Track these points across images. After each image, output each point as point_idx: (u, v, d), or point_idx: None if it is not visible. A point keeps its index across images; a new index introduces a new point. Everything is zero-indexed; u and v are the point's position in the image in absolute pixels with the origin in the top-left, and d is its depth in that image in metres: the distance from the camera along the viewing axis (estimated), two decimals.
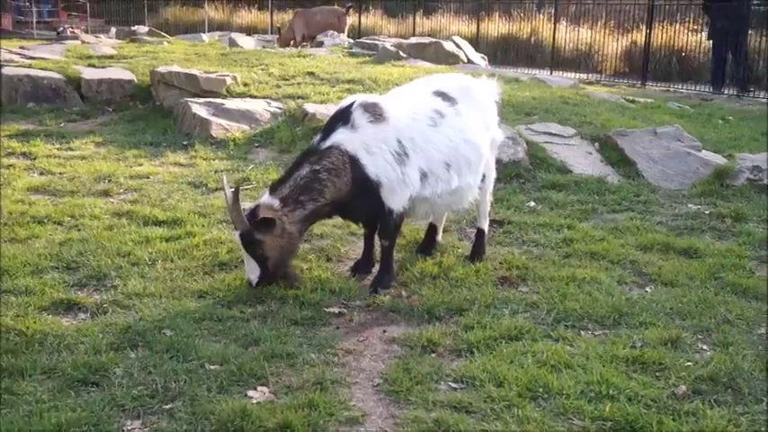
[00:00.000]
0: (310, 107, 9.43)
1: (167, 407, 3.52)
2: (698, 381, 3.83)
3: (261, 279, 4.77)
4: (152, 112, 10.51)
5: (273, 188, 4.84)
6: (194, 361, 3.93)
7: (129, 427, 3.37)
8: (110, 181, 7.32)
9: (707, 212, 6.83)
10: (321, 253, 5.65)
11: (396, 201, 4.92)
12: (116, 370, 3.82)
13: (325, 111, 8.99)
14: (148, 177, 7.52)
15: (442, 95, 5.28)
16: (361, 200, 4.87)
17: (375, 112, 4.92)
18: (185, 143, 8.87)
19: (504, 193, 7.18)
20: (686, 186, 7.68)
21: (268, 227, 4.66)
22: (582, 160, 8.25)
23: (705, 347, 4.24)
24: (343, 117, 4.92)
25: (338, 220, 5.98)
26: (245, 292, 4.82)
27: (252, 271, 4.78)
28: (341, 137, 4.84)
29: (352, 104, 4.94)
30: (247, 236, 4.68)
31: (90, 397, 3.58)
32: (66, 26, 25.09)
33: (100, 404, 3.50)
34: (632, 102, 12.28)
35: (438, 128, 5.08)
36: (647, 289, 5.13)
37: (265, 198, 4.81)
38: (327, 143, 4.85)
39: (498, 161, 6.26)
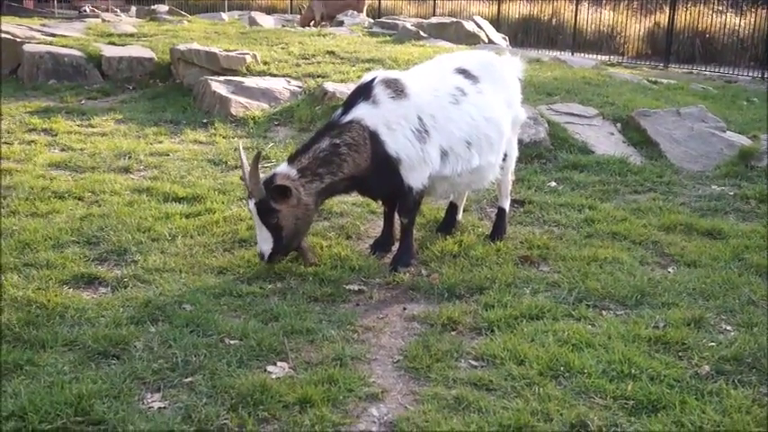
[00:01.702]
0: (330, 86, 9.40)
1: (187, 380, 3.52)
2: (721, 361, 3.78)
3: (274, 251, 4.74)
4: (172, 90, 10.52)
5: (292, 158, 4.81)
6: (214, 336, 3.93)
7: (149, 400, 3.38)
8: (130, 158, 7.34)
9: (731, 194, 6.76)
10: (341, 231, 5.63)
11: (415, 178, 4.90)
12: (136, 343, 3.83)
13: (345, 89, 8.95)
14: (168, 155, 7.52)
15: (464, 73, 5.22)
16: (381, 176, 4.85)
17: (396, 88, 4.88)
18: (205, 121, 8.87)
19: (525, 173, 7.13)
20: (710, 167, 7.59)
21: (284, 195, 4.63)
22: (604, 141, 8.18)
23: (729, 328, 4.19)
24: (364, 92, 4.88)
25: (358, 197, 5.98)
26: (264, 268, 4.81)
27: (264, 241, 4.72)
28: (361, 112, 4.81)
29: (373, 80, 4.91)
30: (263, 204, 4.64)
31: (110, 369, 3.59)
32: (87, 5, 25.13)
33: (120, 376, 3.50)
34: (655, 83, 12.14)
35: (459, 105, 5.03)
36: (670, 269, 5.08)
37: (283, 167, 4.78)
38: (348, 117, 4.82)
39: (519, 141, 6.21)
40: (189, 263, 4.91)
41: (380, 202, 5.38)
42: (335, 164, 4.75)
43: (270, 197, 4.62)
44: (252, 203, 4.67)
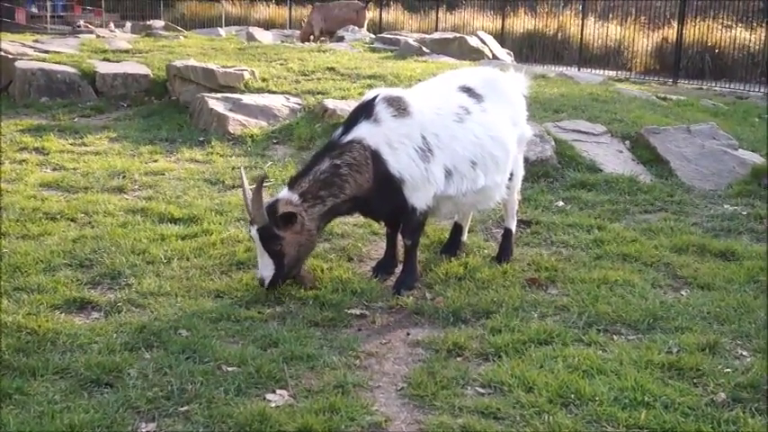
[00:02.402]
0: (330, 103, 9.42)
1: (183, 409, 3.49)
2: (738, 388, 3.75)
3: (275, 277, 4.74)
4: (167, 108, 10.54)
5: (292, 183, 4.82)
6: (211, 362, 3.91)
7: (143, 430, 3.35)
8: (124, 177, 7.33)
9: (744, 213, 6.74)
10: (342, 252, 5.62)
11: (419, 198, 4.89)
12: (130, 371, 3.80)
13: (346, 107, 8.97)
14: (164, 174, 7.52)
15: (468, 91, 5.23)
16: (383, 197, 4.84)
17: (399, 107, 4.89)
18: (201, 139, 8.88)
19: (531, 192, 7.12)
20: (722, 186, 7.59)
21: (288, 222, 4.64)
22: (612, 159, 8.18)
23: (745, 353, 4.17)
24: (365, 110, 4.89)
25: (359, 218, 5.97)
26: (263, 292, 4.79)
27: (265, 267, 4.73)
28: (363, 131, 4.82)
29: (375, 98, 4.91)
30: (266, 231, 4.64)
31: (103, 398, 3.56)
32: (81, 20, 25.26)
33: (113, 405, 3.47)
34: (664, 99, 12.17)
35: (464, 124, 5.04)
36: (683, 292, 5.05)
37: (284, 193, 4.78)
38: (349, 137, 4.82)
39: (525, 160, 6.20)
40: (185, 286, 4.89)
41: (383, 223, 5.38)
42: (337, 185, 4.75)
43: (273, 224, 4.62)
44: (254, 230, 4.66)
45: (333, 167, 4.76)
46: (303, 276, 4.96)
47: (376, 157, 4.79)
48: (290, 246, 4.69)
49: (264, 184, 5.60)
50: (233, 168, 7.66)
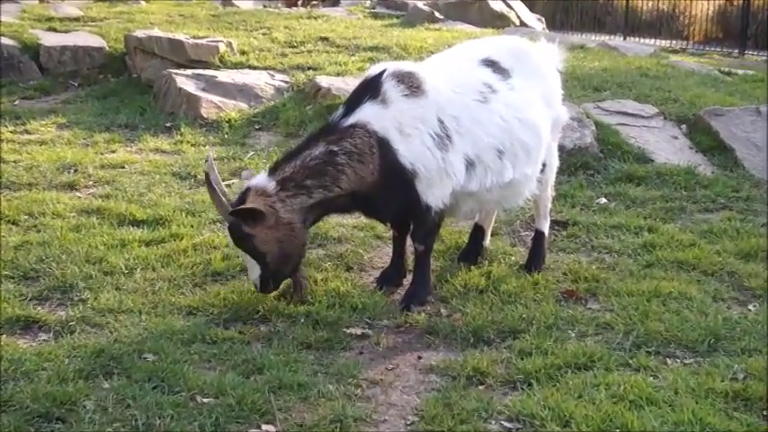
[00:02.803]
0: (324, 80, 9.45)
1: None
2: None
3: (263, 278, 4.79)
4: (127, 87, 10.57)
5: (274, 167, 4.85)
6: (183, 393, 3.94)
7: None
8: (76, 171, 7.38)
9: None
10: (339, 260, 5.65)
11: (434, 195, 4.92)
12: (86, 403, 3.83)
13: (343, 85, 9.00)
14: (123, 167, 7.57)
15: (493, 65, 5.26)
16: (391, 193, 4.87)
17: (411, 84, 4.91)
18: (169, 125, 8.92)
19: (567, 187, 7.15)
20: None
21: (255, 218, 4.66)
22: (665, 146, 8.20)
23: None
24: (371, 89, 4.91)
25: (360, 219, 6.01)
26: (245, 307, 4.84)
27: (252, 270, 4.81)
28: (368, 113, 4.84)
29: (382, 73, 4.93)
30: (234, 228, 4.71)
31: None
32: None
33: None
34: (728, 74, 12.17)
35: (488, 105, 5.07)
36: (751, 307, 5.08)
37: (259, 179, 4.80)
38: (350, 120, 4.84)
39: (561, 148, 6.24)
40: (150, 301, 4.93)
41: (389, 225, 5.41)
42: (330, 176, 4.77)
43: (240, 220, 4.66)
44: (226, 230, 4.73)
45: (328, 154, 4.78)
46: (297, 282, 5.00)
47: (383, 144, 4.81)
48: (266, 243, 4.71)
49: (248, 173, 5.62)
50: (206, 160, 7.66)
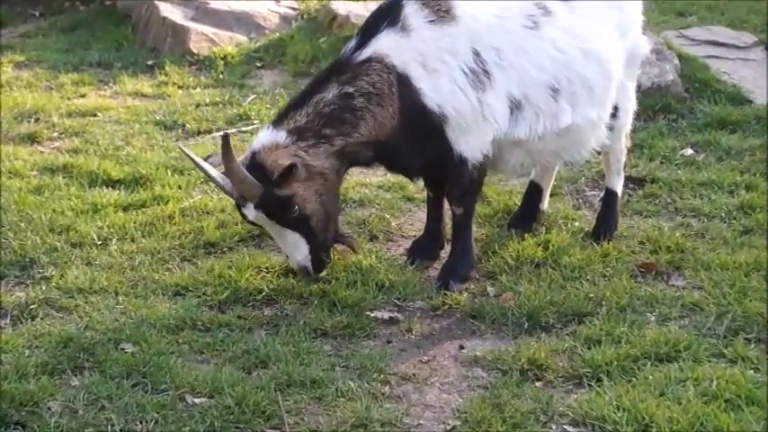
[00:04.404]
0: (340, 6, 9.36)
1: None
2: None
3: (316, 254, 4.79)
4: (99, 17, 10.50)
5: (279, 118, 4.83)
6: (169, 391, 3.93)
7: None
8: (38, 120, 7.37)
9: None
10: (362, 228, 5.63)
11: (470, 145, 4.89)
12: (51, 404, 3.83)
13: (364, 12, 8.85)
14: (95, 115, 7.55)
15: None
16: (415, 142, 4.86)
17: (438, 8, 4.87)
18: (151, 63, 8.90)
19: (645, 135, 7.05)
20: None
21: (287, 175, 4.61)
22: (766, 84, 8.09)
23: None
24: (389, 14, 4.88)
25: (385, 175, 5.97)
26: (245, 286, 4.83)
27: (296, 249, 4.77)
28: (385, 44, 4.81)
29: None
30: (269, 201, 4.62)
31: None
32: None
33: None
34: None
35: (539, 31, 5.01)
36: None
37: (262, 137, 4.77)
38: (366, 53, 4.81)
39: (637, 87, 6.14)
40: (129, 279, 4.94)
41: (421, 183, 5.38)
42: (349, 123, 4.76)
43: (272, 185, 4.61)
44: (251, 209, 4.65)
45: (342, 97, 4.76)
46: (345, 236, 5.07)
47: (404, 82, 4.79)
48: (307, 201, 4.70)
49: (239, 130, 5.58)
50: (197, 106, 7.68)
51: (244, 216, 4.75)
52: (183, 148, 5.08)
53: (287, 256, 4.87)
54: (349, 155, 4.88)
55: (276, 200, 4.63)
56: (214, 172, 4.74)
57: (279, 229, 4.73)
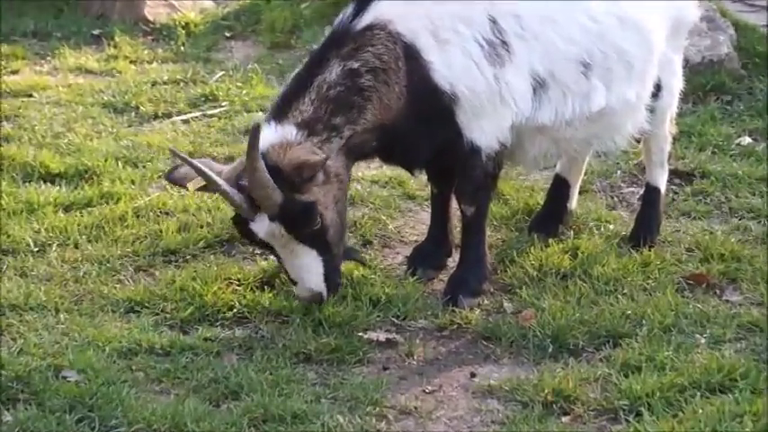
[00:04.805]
0: None
1: None
2: None
3: (332, 275, 4.78)
4: None
5: (280, 111, 4.81)
6: (121, 428, 3.94)
7: None
8: None
9: None
10: (353, 231, 5.63)
11: (485, 131, 4.92)
12: None
13: None
14: (31, 95, 7.60)
15: None
16: (423, 127, 4.88)
17: None
18: (97, 33, 8.94)
19: (693, 120, 7.10)
20: None
21: (305, 176, 4.61)
22: None
23: None
24: None
25: (381, 168, 5.98)
26: (212, 301, 4.84)
27: (311, 273, 4.73)
28: (388, 7, 4.83)
29: None
30: (290, 210, 4.59)
31: None
32: None
33: None
34: None
35: None
36: None
37: (268, 133, 4.70)
38: (366, 19, 4.83)
39: (684, 62, 6.16)
40: (72, 294, 4.95)
41: (424, 177, 5.41)
42: (356, 107, 4.78)
43: (294, 190, 4.60)
44: (263, 223, 4.62)
45: (348, 76, 4.77)
46: (353, 250, 5.12)
47: (411, 54, 4.81)
48: (328, 209, 4.73)
49: (209, 114, 5.54)
50: (153, 84, 7.70)
51: (250, 234, 4.72)
52: (175, 150, 5.01)
53: (294, 283, 4.79)
54: (355, 148, 4.88)
55: (299, 208, 4.61)
56: (219, 179, 4.61)
57: (294, 246, 4.69)
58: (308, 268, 4.72)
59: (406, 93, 4.81)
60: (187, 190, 4.87)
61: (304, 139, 4.68)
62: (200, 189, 4.77)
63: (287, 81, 5.06)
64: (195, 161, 4.69)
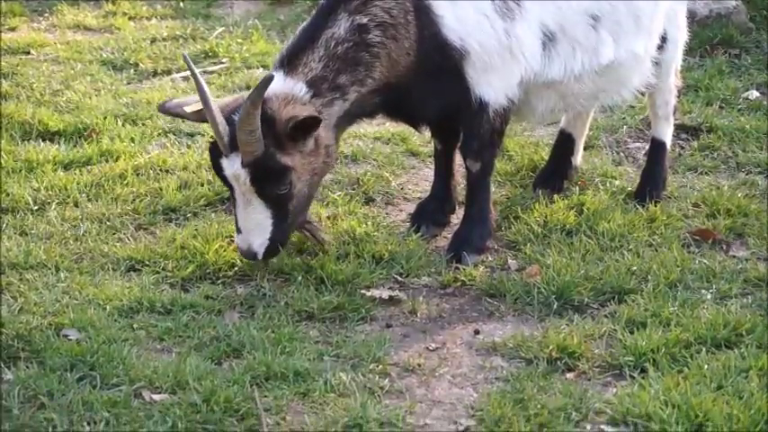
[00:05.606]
0: None
1: None
2: None
3: (274, 239, 4.74)
4: None
5: (292, 64, 4.77)
6: (123, 386, 3.94)
7: None
8: None
9: None
10: (355, 188, 5.66)
11: (493, 86, 4.91)
12: None
13: None
14: (28, 52, 7.58)
15: None
16: (431, 83, 4.86)
17: None
18: None
19: (700, 73, 7.07)
20: None
21: (302, 137, 4.62)
22: None
23: None
24: None
25: (384, 124, 5.97)
26: (214, 259, 4.85)
27: (256, 229, 4.71)
28: None
29: None
30: (265, 164, 4.57)
31: None
32: None
33: None
34: None
35: None
36: None
37: (277, 82, 4.67)
38: None
39: (690, 14, 6.15)
40: (73, 252, 4.96)
41: (427, 133, 5.41)
42: (364, 65, 4.77)
43: (277, 147, 4.59)
44: (234, 164, 4.59)
45: (356, 31, 4.76)
46: (313, 226, 5.03)
47: (421, 10, 4.79)
48: (300, 180, 4.70)
49: (208, 69, 5.53)
50: (152, 41, 7.69)
51: (217, 167, 4.70)
52: (186, 56, 4.90)
53: (237, 230, 4.75)
54: (356, 111, 4.89)
55: (273, 166, 4.60)
56: (212, 103, 4.59)
57: (253, 198, 4.67)
58: (256, 225, 4.69)
59: (415, 48, 4.80)
60: (183, 117, 4.91)
61: (310, 99, 4.66)
62: (194, 116, 4.75)
63: (295, 33, 4.99)
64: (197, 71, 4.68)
